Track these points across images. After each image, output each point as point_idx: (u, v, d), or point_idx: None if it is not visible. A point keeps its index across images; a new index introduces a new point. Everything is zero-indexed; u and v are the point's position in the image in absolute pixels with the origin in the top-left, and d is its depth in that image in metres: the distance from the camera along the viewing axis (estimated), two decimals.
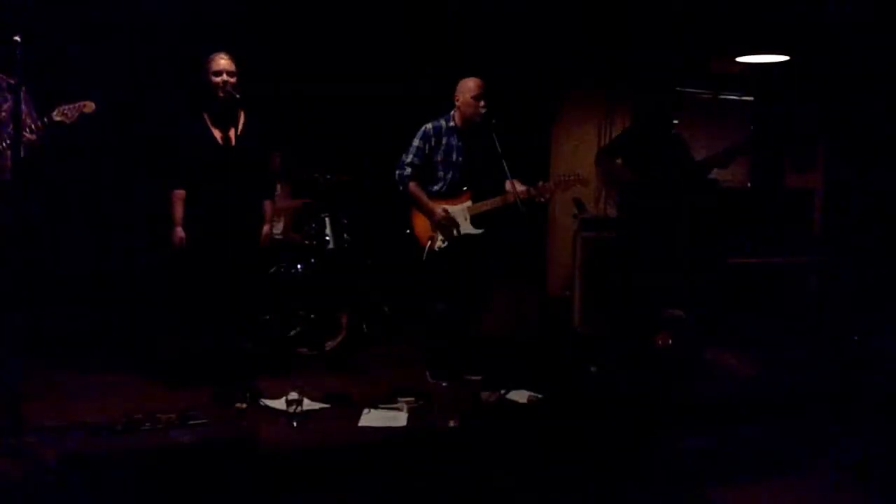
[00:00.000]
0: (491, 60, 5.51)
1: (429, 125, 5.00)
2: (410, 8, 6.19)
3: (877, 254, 6.17)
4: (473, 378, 4.89)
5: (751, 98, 7.56)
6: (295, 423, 3.99)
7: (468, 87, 4.92)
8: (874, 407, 4.59)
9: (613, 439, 3.96)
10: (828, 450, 4.14)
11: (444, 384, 4.88)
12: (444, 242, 4.97)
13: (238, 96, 4.45)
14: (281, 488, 3.40)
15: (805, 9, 5.95)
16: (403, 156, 5.01)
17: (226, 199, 4.51)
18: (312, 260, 5.66)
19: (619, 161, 5.59)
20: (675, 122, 5.79)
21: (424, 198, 4.99)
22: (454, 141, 4.99)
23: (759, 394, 4.82)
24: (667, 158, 5.53)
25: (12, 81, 3.82)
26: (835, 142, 6.82)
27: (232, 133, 4.48)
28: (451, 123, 5.01)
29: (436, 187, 5.03)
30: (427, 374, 4.98)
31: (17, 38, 3.66)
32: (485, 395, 4.56)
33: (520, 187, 4.81)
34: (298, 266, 5.60)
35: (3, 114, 4.18)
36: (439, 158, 5.00)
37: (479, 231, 4.99)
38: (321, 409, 4.29)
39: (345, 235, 5.89)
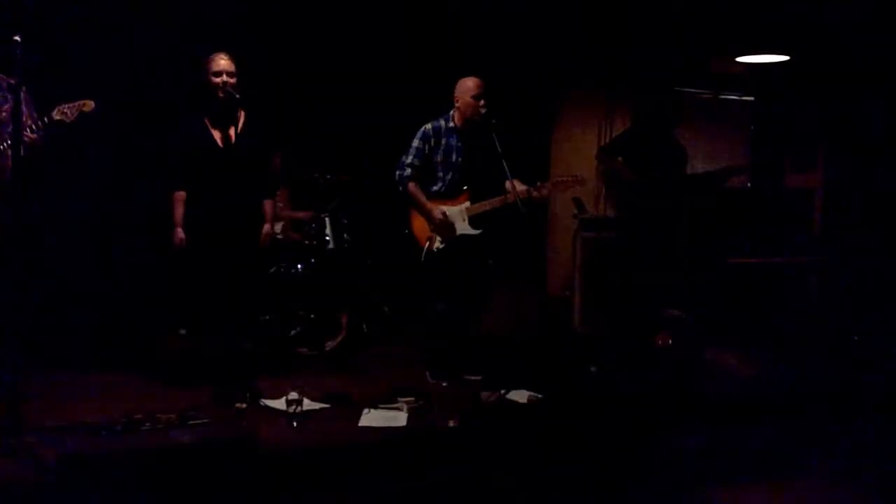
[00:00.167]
0: (491, 60, 5.51)
1: (428, 125, 5.00)
2: (410, 8, 6.19)
3: (877, 254, 6.17)
4: (473, 378, 4.89)
5: (751, 98, 7.56)
6: (295, 423, 3.99)
7: (468, 86, 4.92)
8: (874, 407, 4.59)
9: (613, 439, 3.96)
10: (828, 450, 4.14)
11: (444, 384, 4.88)
12: (442, 243, 4.97)
13: (238, 96, 4.45)
14: (281, 488, 3.40)
15: (805, 9, 5.94)
16: (403, 156, 5.01)
17: (226, 199, 4.51)
18: (312, 260, 5.66)
19: (619, 160, 5.60)
20: (677, 124, 5.80)
21: (423, 199, 4.99)
22: (454, 141, 4.99)
23: (759, 394, 4.82)
24: (667, 158, 5.54)
25: (12, 81, 3.81)
26: (835, 142, 6.82)
27: (232, 133, 4.48)
28: (451, 124, 5.00)
29: (435, 187, 5.03)
30: (427, 374, 4.98)
31: (17, 38, 3.66)
32: (485, 395, 4.56)
33: (520, 187, 4.81)
34: (298, 266, 5.61)
35: (4, 114, 4.19)
36: (439, 159, 5.00)
37: (478, 231, 4.99)
38: (321, 409, 4.29)
39: (345, 235, 5.89)
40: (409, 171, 4.99)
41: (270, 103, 5.01)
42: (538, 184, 4.93)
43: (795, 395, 4.74)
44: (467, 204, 4.99)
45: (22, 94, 3.79)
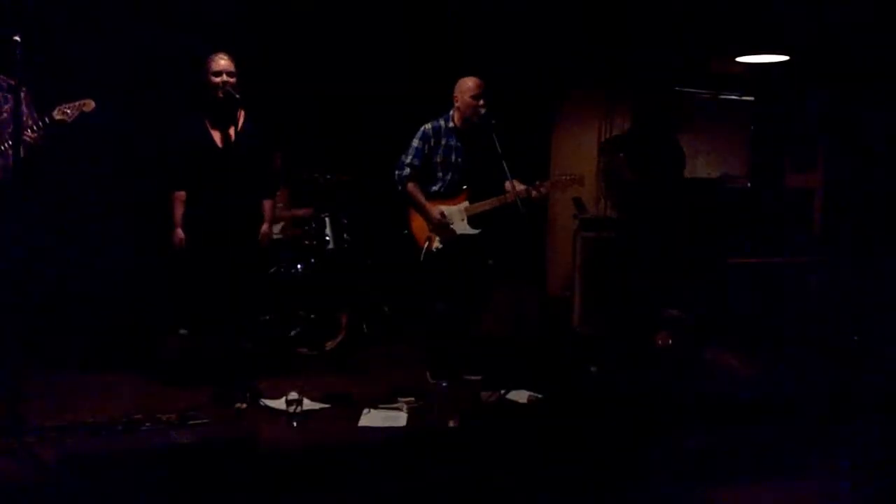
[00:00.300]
0: (491, 60, 5.51)
1: (428, 125, 5.00)
2: (410, 8, 6.19)
3: (877, 254, 6.16)
4: (473, 378, 4.90)
5: (751, 98, 7.56)
6: (295, 423, 3.99)
7: (467, 86, 4.92)
8: (874, 407, 4.59)
9: (613, 439, 3.96)
10: (828, 450, 4.14)
11: (444, 384, 4.88)
12: (440, 243, 4.97)
13: (238, 96, 4.45)
14: (281, 488, 3.40)
15: (805, 9, 5.94)
16: (403, 156, 5.02)
17: (226, 199, 4.51)
18: (312, 260, 5.66)
19: (622, 155, 5.59)
20: (677, 125, 5.80)
21: (422, 199, 4.99)
22: (453, 141, 4.99)
23: (759, 394, 4.82)
24: (667, 159, 5.53)
25: (12, 82, 3.82)
26: (835, 142, 6.81)
27: (232, 133, 4.48)
28: (451, 124, 5.01)
29: (435, 187, 5.03)
30: (427, 374, 4.98)
31: (17, 38, 3.66)
32: (485, 395, 4.56)
33: (519, 187, 4.81)
34: (298, 266, 5.61)
35: (4, 114, 4.19)
36: (438, 159, 5.00)
37: (477, 231, 4.99)
38: (321, 409, 4.29)
39: (345, 235, 5.89)
40: (408, 170, 4.99)
41: (270, 103, 5.00)
42: (537, 183, 4.94)
43: (795, 395, 4.74)
44: (466, 204, 4.99)
45: (22, 95, 3.79)
